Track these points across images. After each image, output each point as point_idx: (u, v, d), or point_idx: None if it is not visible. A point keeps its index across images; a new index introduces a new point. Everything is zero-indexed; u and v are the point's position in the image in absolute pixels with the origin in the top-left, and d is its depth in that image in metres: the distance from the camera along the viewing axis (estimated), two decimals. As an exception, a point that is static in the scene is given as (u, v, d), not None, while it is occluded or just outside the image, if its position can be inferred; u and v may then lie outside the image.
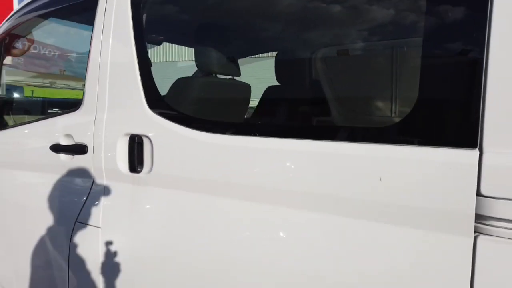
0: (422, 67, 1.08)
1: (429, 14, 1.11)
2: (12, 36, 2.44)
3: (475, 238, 0.99)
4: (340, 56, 2.34)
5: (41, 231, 1.93)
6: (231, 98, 2.08)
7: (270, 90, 2.24)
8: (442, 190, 1.02)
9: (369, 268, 1.12)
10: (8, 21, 2.34)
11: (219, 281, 1.36)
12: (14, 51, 2.68)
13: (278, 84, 2.23)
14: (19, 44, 2.68)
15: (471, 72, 1.01)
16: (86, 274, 1.74)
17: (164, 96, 1.85)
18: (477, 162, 0.97)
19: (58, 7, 2.14)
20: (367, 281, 1.12)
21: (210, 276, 1.38)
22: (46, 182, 1.94)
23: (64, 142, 1.85)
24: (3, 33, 2.38)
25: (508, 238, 0.96)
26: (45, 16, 2.29)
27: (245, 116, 2.29)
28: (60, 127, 1.90)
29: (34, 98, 2.48)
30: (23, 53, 2.83)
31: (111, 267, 1.64)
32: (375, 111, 2.00)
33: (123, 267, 1.63)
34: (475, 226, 0.99)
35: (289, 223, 1.27)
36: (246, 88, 2.36)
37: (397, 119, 1.29)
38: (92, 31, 1.82)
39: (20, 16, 2.27)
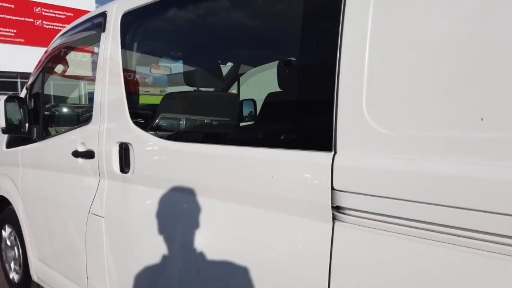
0: (283, 85, 1.34)
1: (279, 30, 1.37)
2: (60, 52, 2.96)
3: (333, 224, 1.24)
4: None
5: (68, 220, 2.45)
6: (192, 109, 2.42)
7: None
8: (310, 185, 1.28)
9: (258, 243, 1.41)
10: (59, 38, 2.85)
11: (171, 253, 1.73)
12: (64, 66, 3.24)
13: None
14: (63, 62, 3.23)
15: (327, 89, 1.24)
16: (96, 254, 2.21)
17: (143, 110, 2.26)
18: (331, 163, 1.22)
19: (81, 36, 2.63)
20: (254, 254, 1.41)
21: (164, 250, 1.76)
22: (71, 181, 2.45)
23: (80, 149, 2.33)
24: (54, 49, 2.89)
25: (358, 225, 1.19)
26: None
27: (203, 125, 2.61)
28: (78, 137, 2.38)
29: (70, 111, 2.97)
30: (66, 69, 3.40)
31: (112, 249, 2.09)
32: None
33: (119, 248, 2.06)
34: (332, 214, 1.24)
35: (216, 211, 1.59)
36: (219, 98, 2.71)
37: (279, 130, 1.54)
38: (97, 60, 2.28)
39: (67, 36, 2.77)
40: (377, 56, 1.14)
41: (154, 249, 1.82)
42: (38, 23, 17.28)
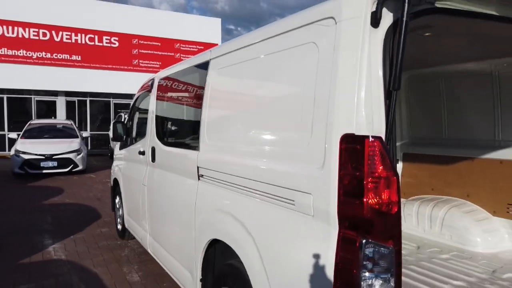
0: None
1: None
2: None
3: (198, 181, 2.94)
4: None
5: (136, 188, 4.54)
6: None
7: None
8: (192, 165, 3.01)
9: (172, 192, 3.19)
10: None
11: (164, 201, 3.60)
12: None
13: None
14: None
15: (197, 123, 2.98)
16: (144, 206, 4.23)
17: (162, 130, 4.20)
18: (197, 156, 2.95)
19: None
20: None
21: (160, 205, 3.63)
22: (138, 167, 4.54)
23: (141, 150, 4.40)
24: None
25: (205, 181, 2.87)
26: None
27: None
28: (140, 144, 4.46)
29: (141, 130, 5.06)
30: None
31: (149, 206, 4.06)
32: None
33: (152, 205, 4.02)
34: (198, 177, 2.94)
35: (170, 179, 3.42)
36: None
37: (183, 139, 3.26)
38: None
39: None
40: (208, 108, 2.83)
41: (160, 200, 3.72)
42: (177, 56, 21.41)
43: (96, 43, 19.12)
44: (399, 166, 4.05)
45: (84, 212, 7.51)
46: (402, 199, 3.97)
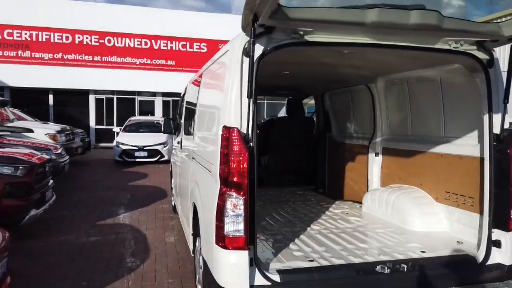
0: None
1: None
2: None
3: (191, 160, 4.04)
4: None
5: (176, 168, 5.82)
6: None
7: None
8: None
9: None
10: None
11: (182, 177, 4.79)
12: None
13: None
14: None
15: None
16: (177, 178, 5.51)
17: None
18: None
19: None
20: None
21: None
22: (177, 154, 5.82)
23: (177, 141, 5.67)
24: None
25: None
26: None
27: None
28: (178, 137, 5.73)
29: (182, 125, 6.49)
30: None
31: (175, 179, 5.31)
32: None
33: (176, 178, 5.25)
34: (192, 157, 4.05)
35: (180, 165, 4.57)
36: None
37: None
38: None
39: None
40: (198, 108, 3.91)
41: (178, 177, 4.91)
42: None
43: (188, 49, 21.48)
44: (379, 158, 4.64)
45: (157, 192, 9.15)
46: (379, 187, 4.57)
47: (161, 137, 14.41)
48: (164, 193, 9.05)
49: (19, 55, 19.60)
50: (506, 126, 3.07)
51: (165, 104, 22.05)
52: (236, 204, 2.46)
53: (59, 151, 9.00)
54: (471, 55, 2.96)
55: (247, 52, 2.52)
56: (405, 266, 2.78)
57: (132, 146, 13.95)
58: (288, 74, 4.69)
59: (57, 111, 20.61)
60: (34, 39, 19.72)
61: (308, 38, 2.67)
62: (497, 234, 3.00)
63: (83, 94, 21.02)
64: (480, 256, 2.98)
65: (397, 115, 4.44)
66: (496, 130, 3.03)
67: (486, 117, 3.06)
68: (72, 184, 9.94)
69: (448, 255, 3.07)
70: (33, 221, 5.54)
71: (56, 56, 20.03)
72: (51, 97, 20.69)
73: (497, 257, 2.98)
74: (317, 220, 4.13)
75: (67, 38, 20.09)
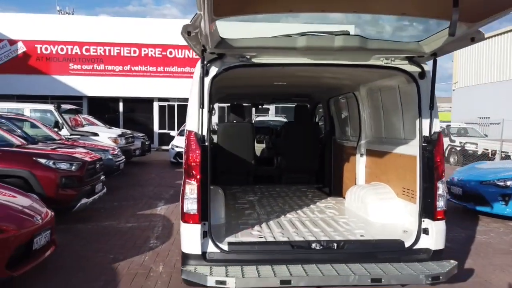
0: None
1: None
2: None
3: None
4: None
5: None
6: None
7: None
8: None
9: None
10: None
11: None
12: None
13: None
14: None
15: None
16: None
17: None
18: None
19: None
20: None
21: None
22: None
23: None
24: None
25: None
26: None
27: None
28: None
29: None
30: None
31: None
32: None
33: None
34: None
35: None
36: None
37: None
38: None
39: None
40: None
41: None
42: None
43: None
44: (364, 159, 5.13)
45: (197, 190, 10.21)
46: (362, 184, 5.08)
47: (211, 140, 15.60)
48: (202, 190, 10.07)
49: (95, 68, 22.20)
50: (438, 129, 3.53)
51: (221, 109, 23.45)
52: (192, 189, 3.26)
53: (115, 152, 10.45)
54: (401, 69, 3.47)
55: (206, 71, 3.31)
56: (336, 245, 3.36)
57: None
58: (286, 84, 5.39)
59: (126, 117, 22.95)
60: (107, 53, 22.22)
61: (254, 60, 3.39)
62: (426, 222, 3.45)
63: (148, 102, 23.15)
64: (410, 241, 3.46)
65: (375, 120, 4.92)
66: (426, 132, 3.49)
67: (417, 121, 3.53)
68: (128, 181, 11.38)
69: (381, 239, 3.58)
70: (84, 209, 6.80)
71: (125, 68, 22.35)
72: (121, 104, 23.10)
73: (425, 242, 3.43)
74: (296, 211, 4.76)
75: (134, 51, 22.34)
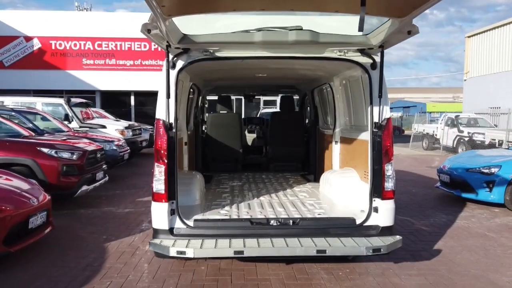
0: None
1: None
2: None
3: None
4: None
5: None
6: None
7: None
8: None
9: None
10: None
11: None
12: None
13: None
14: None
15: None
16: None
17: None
18: None
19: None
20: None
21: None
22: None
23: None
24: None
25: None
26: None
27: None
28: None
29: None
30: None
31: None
32: None
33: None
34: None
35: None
36: None
37: None
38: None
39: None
40: None
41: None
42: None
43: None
44: (338, 146, 5.41)
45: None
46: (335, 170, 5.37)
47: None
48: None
49: (106, 62, 22.84)
50: (388, 116, 3.80)
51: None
52: (160, 171, 3.63)
53: (120, 143, 10.93)
54: (354, 61, 3.75)
55: (173, 65, 3.66)
56: (292, 221, 3.69)
57: (191, 140, 15.73)
58: (268, 76, 5.70)
59: (137, 110, 23.58)
60: (118, 48, 22.81)
61: (217, 54, 3.71)
62: (376, 202, 3.74)
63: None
64: (362, 219, 3.75)
65: (346, 109, 5.19)
66: (377, 119, 3.77)
67: (369, 109, 3.81)
68: (134, 171, 11.89)
69: (334, 217, 3.89)
70: (85, 195, 7.28)
71: (136, 62, 22.91)
72: (132, 98, 23.73)
73: (375, 220, 3.73)
74: (270, 195, 5.10)
75: (145, 46, 22.84)
